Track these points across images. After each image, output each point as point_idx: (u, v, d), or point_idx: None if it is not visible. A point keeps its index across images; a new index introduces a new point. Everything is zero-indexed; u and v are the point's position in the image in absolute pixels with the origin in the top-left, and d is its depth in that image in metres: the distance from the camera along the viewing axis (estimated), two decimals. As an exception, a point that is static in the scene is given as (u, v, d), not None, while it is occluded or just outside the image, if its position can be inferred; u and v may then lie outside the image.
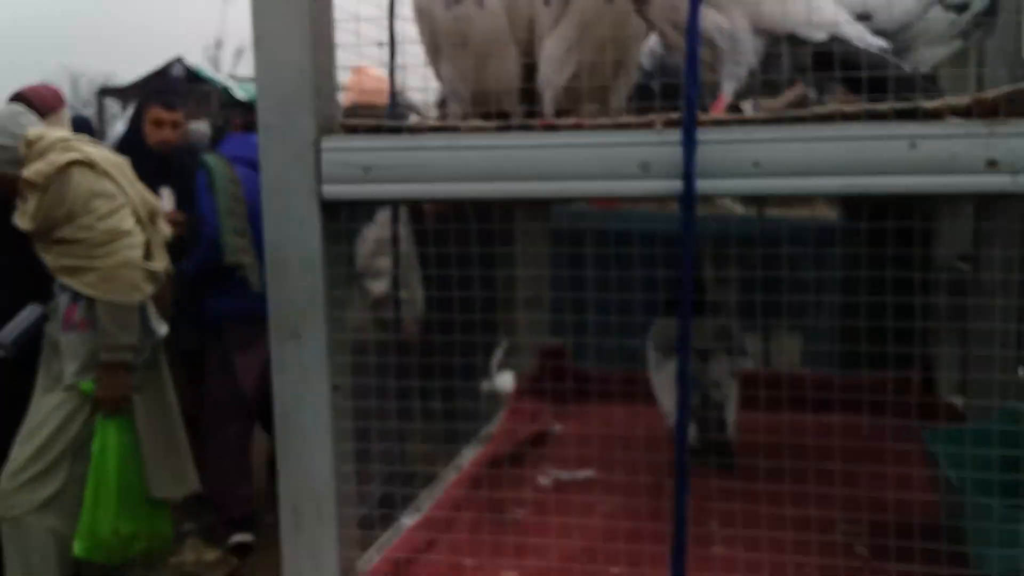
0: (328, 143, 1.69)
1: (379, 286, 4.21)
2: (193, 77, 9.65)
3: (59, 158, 3.33)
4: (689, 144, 1.51)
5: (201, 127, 6.38)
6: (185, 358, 4.48)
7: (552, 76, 2.02)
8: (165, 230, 3.72)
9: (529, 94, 2.12)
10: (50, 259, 3.38)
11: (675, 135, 1.54)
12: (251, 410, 4.65)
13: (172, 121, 4.54)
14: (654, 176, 1.56)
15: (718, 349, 2.60)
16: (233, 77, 10.13)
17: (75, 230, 3.34)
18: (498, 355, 4.59)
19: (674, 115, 1.57)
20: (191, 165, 4.69)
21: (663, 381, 2.56)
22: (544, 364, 3.30)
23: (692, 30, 1.52)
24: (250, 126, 4.85)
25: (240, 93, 8.69)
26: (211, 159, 4.64)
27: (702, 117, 1.54)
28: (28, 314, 3.41)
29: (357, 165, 1.68)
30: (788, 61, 1.75)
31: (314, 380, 1.75)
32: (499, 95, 2.12)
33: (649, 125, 1.58)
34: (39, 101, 3.91)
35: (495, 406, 4.60)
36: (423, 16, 2.06)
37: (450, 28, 2.03)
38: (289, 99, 1.69)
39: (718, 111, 1.70)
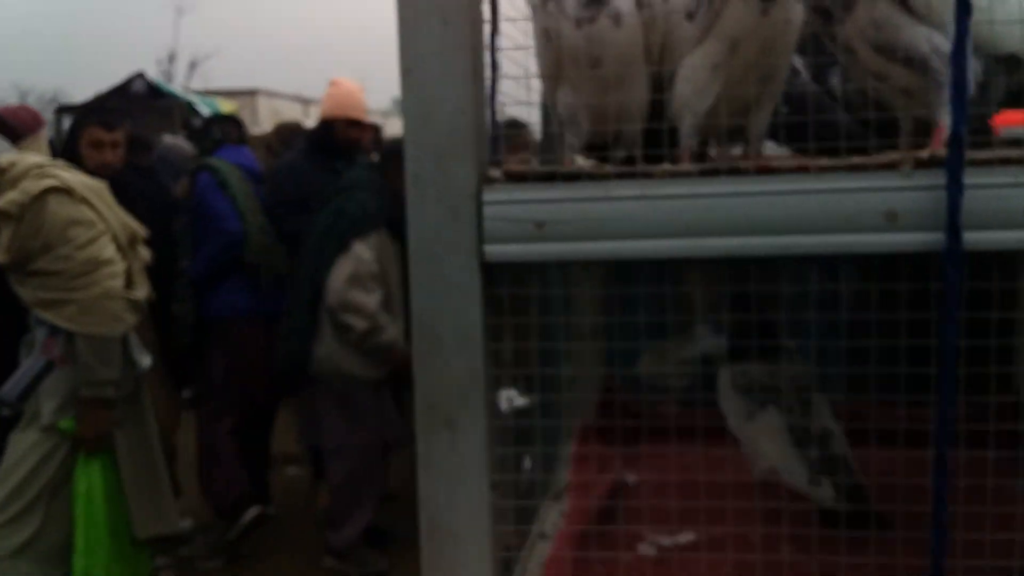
0: (491, 194, 1.41)
1: (360, 323, 3.98)
2: (155, 92, 9.25)
3: (33, 186, 3.09)
4: (955, 189, 1.27)
5: (176, 141, 6.10)
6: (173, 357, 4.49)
7: (693, 100, 1.76)
8: (145, 255, 3.47)
9: (650, 134, 1.86)
10: (26, 292, 3.16)
11: (929, 178, 1.30)
12: (252, 406, 4.68)
13: (112, 142, 4.26)
14: (903, 228, 1.31)
15: (814, 392, 2.37)
16: (194, 92, 9.78)
17: (52, 261, 3.14)
18: None
19: (923, 153, 1.33)
20: (143, 187, 4.51)
21: (757, 434, 2.31)
22: (604, 404, 3.03)
23: (959, 49, 1.27)
24: (242, 140, 4.93)
25: (203, 108, 8.37)
26: (215, 161, 4.59)
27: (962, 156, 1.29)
28: (32, 365, 3.10)
29: (528, 220, 1.40)
30: (1002, 87, 1.53)
31: (470, 477, 1.46)
32: (620, 128, 1.86)
33: (894, 166, 1.33)
34: (16, 123, 3.64)
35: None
36: (548, 36, 1.78)
37: (580, 49, 1.76)
38: (445, 143, 1.40)
39: (937, 146, 1.45)
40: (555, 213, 1.39)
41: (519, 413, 4.48)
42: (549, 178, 1.42)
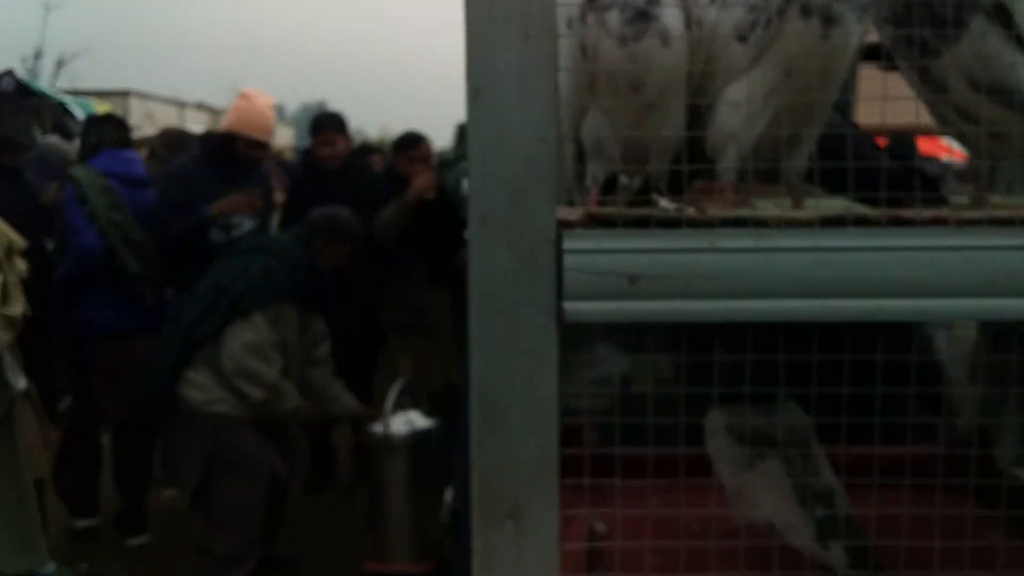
0: (573, 241, 1.18)
1: (258, 392, 3.77)
2: (24, 91, 8.61)
3: None
4: None
5: (57, 142, 5.70)
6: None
7: (740, 131, 1.57)
8: (22, 267, 3.16)
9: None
10: None
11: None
12: (105, 419, 4.68)
13: None
14: (1058, 292, 1.14)
15: (815, 443, 2.21)
16: (66, 91, 9.16)
17: None
18: (392, 394, 4.14)
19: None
20: (8, 191, 4.56)
21: (756, 486, 2.14)
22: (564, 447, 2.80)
23: None
24: (124, 142, 4.70)
25: (77, 109, 7.81)
26: (79, 171, 4.43)
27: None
28: None
29: (619, 273, 1.18)
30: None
31: (536, 578, 1.22)
32: (649, 159, 1.66)
33: (1044, 221, 1.16)
34: None
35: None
36: (584, 54, 1.56)
37: (621, 70, 1.55)
38: (520, 178, 1.17)
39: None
40: (652, 266, 1.17)
41: (421, 435, 4.29)
42: (643, 223, 1.20)
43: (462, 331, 4.89)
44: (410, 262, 4.95)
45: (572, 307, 1.18)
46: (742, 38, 1.57)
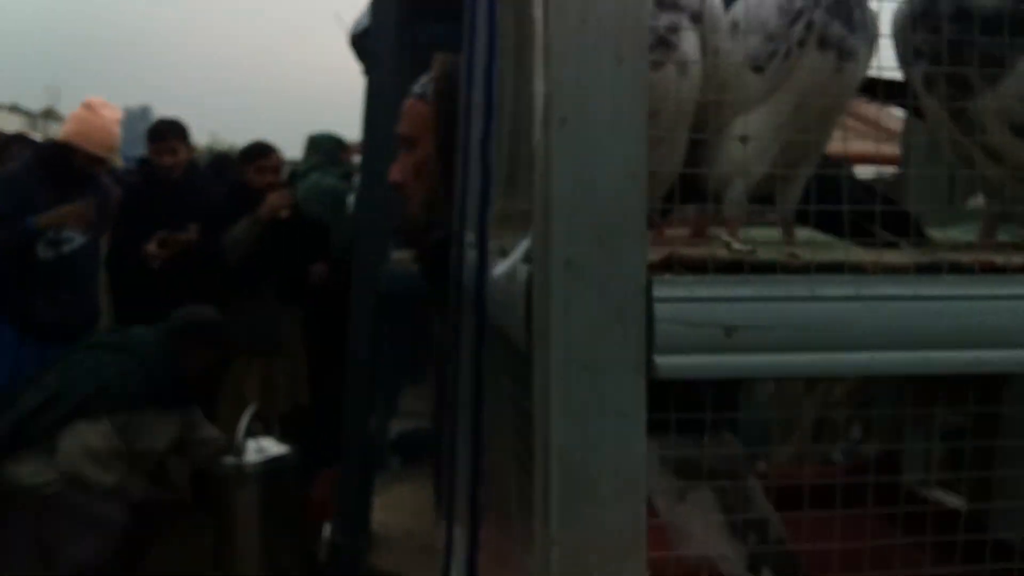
0: (664, 288, 1.06)
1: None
2: None
3: None
4: None
5: None
6: None
7: (750, 163, 1.51)
8: None
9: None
10: None
11: None
12: None
13: None
14: None
15: (745, 468, 2.18)
16: None
17: None
18: (244, 420, 3.94)
19: None
20: None
21: (691, 515, 2.09)
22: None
23: None
24: None
25: None
26: None
27: None
28: None
29: (715, 324, 1.06)
30: None
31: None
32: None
33: None
34: None
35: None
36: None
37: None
38: (611, 220, 1.04)
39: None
40: (750, 316, 1.07)
41: (274, 462, 4.08)
42: (736, 268, 1.09)
43: (317, 350, 4.70)
44: (257, 279, 4.69)
45: (664, 362, 1.06)
46: (758, 68, 1.50)
